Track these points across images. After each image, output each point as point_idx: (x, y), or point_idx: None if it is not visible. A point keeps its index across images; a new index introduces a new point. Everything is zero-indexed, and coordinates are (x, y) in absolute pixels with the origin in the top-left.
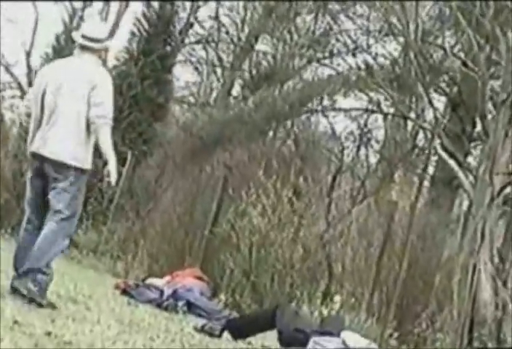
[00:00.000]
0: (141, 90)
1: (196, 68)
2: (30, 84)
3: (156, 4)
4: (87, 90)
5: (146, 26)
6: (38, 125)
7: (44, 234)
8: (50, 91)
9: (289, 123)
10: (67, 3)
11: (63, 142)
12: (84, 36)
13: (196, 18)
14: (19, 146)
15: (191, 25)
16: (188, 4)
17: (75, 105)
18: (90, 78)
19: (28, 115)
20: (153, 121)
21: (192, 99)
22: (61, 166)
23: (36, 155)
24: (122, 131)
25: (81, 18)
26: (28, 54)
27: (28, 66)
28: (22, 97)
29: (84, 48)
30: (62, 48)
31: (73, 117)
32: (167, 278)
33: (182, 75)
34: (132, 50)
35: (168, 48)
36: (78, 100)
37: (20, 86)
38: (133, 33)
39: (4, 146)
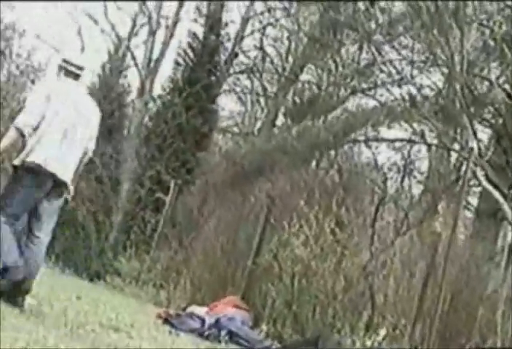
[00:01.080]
0: (185, 119)
1: (240, 98)
2: None
3: (200, 34)
4: (91, 123)
5: (191, 56)
6: (44, 139)
7: (42, 246)
8: (71, 113)
9: (332, 153)
10: (112, 34)
11: (72, 164)
12: (70, 64)
13: (240, 48)
14: None
15: (236, 55)
16: (232, 34)
17: (84, 133)
18: (93, 109)
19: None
20: (197, 150)
21: (236, 129)
22: (63, 186)
23: (46, 171)
24: (166, 160)
25: (127, 48)
26: None
27: None
28: None
29: (71, 74)
30: (108, 77)
31: (82, 142)
32: (208, 306)
33: (227, 105)
34: (177, 80)
35: (213, 78)
36: (85, 130)
37: None
38: (178, 63)
39: None
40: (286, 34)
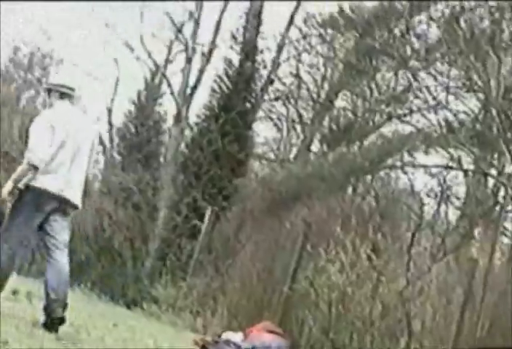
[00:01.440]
0: (221, 146)
1: (276, 124)
2: (111, 141)
3: (236, 61)
4: (92, 143)
5: (227, 83)
6: (53, 164)
7: (63, 265)
8: (76, 139)
9: (368, 178)
10: (148, 61)
11: (79, 187)
12: (64, 86)
13: (276, 75)
14: (100, 201)
15: (272, 82)
16: (268, 61)
17: (89, 158)
18: (92, 131)
19: None
20: (234, 177)
21: (271, 155)
22: (72, 207)
23: (54, 196)
24: (202, 187)
25: (163, 75)
26: (110, 111)
27: (109, 122)
28: (103, 153)
29: (66, 96)
30: (144, 105)
31: (85, 165)
32: (244, 332)
33: (262, 132)
34: (213, 107)
35: (248, 104)
36: (88, 150)
37: (101, 142)
38: (214, 90)
39: (85, 201)
40: (321, 60)
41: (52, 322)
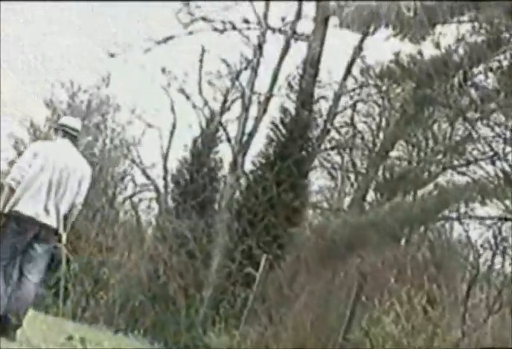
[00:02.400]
0: (277, 194)
1: (330, 173)
2: (166, 187)
3: (292, 110)
4: (79, 179)
5: (283, 131)
6: (30, 191)
7: (29, 290)
8: (57, 168)
9: (422, 229)
10: (206, 109)
11: (58, 214)
12: (67, 126)
13: (332, 124)
14: (155, 248)
15: (328, 131)
16: (324, 111)
17: (71, 188)
18: (82, 169)
19: None
20: (288, 225)
21: (325, 204)
22: (47, 230)
23: (34, 221)
24: (257, 235)
25: (219, 123)
26: (165, 157)
27: (165, 169)
28: (158, 200)
29: (68, 135)
30: (200, 152)
31: (68, 196)
32: None
33: (317, 180)
34: (269, 155)
35: (304, 153)
36: (73, 184)
37: (156, 189)
38: (270, 138)
39: (140, 247)
40: (377, 110)
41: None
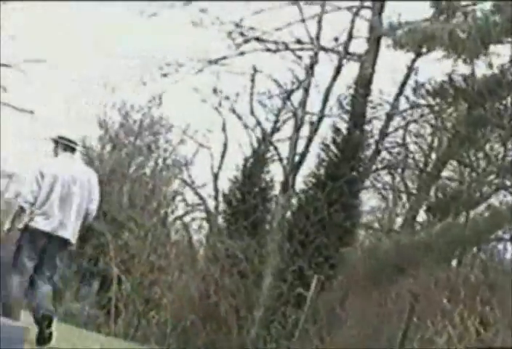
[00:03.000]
0: (328, 215)
1: (381, 193)
2: (216, 207)
3: (344, 130)
4: (88, 187)
5: (335, 151)
6: (45, 208)
7: (43, 292)
8: (65, 182)
9: (475, 249)
10: (257, 129)
11: (73, 225)
12: (69, 140)
13: (383, 144)
14: (206, 268)
15: (379, 152)
16: (376, 131)
17: (82, 197)
18: (89, 178)
19: None
20: (340, 245)
21: (377, 225)
22: (65, 242)
23: (49, 234)
24: (308, 255)
25: (271, 143)
26: (216, 177)
27: (215, 189)
28: (208, 219)
29: (69, 148)
30: (251, 172)
31: (80, 206)
32: None
33: (367, 200)
34: (320, 175)
35: (355, 173)
36: (83, 193)
37: (206, 209)
38: (321, 158)
39: (191, 267)
40: (429, 130)
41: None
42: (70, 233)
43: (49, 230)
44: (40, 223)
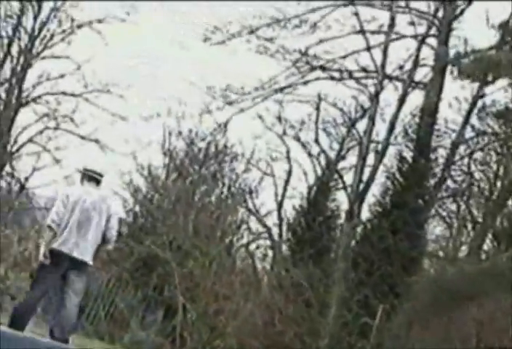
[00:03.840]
0: (393, 243)
1: (446, 222)
2: (280, 235)
3: (409, 158)
4: (106, 214)
5: (400, 179)
6: (66, 230)
7: (70, 310)
8: (85, 208)
9: None
10: (321, 157)
11: (90, 248)
12: (95, 172)
13: (448, 173)
14: (272, 296)
15: (444, 180)
16: (441, 159)
17: (100, 223)
18: (109, 206)
19: None
20: (405, 274)
21: (441, 253)
22: (80, 263)
23: (66, 255)
24: (373, 284)
25: (336, 171)
26: (280, 205)
27: (279, 217)
28: (273, 248)
29: (93, 179)
30: (316, 200)
31: (98, 231)
32: None
33: (432, 229)
34: (385, 203)
35: (421, 202)
36: (101, 219)
37: (271, 237)
38: (387, 187)
39: (257, 296)
40: (495, 158)
41: None
42: (85, 254)
43: (67, 251)
44: (59, 245)
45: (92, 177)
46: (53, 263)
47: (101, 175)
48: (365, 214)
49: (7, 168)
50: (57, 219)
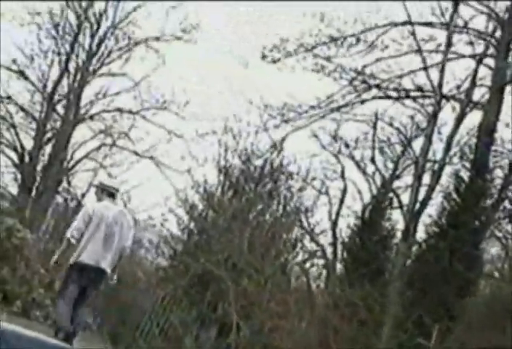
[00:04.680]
0: (449, 264)
1: (502, 243)
2: (335, 254)
3: (467, 178)
4: (126, 228)
5: (457, 200)
6: (92, 244)
7: (81, 315)
8: (109, 224)
9: None
10: (376, 176)
11: (112, 259)
12: (112, 187)
13: (506, 194)
14: (327, 315)
15: (502, 200)
16: (498, 180)
17: (120, 236)
18: (128, 220)
19: None
20: (461, 295)
21: (497, 274)
22: (103, 273)
23: (92, 266)
24: (428, 305)
25: (392, 190)
26: (334, 224)
27: (334, 236)
28: (327, 266)
29: (111, 194)
30: (371, 219)
31: (119, 243)
32: None
33: (488, 250)
34: (442, 224)
35: (478, 222)
36: (122, 233)
37: (325, 255)
38: (443, 207)
39: (311, 314)
40: None
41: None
42: (109, 264)
43: (94, 263)
44: (87, 258)
45: (110, 193)
46: (79, 277)
47: (117, 190)
48: (421, 234)
49: (64, 184)
50: (76, 233)
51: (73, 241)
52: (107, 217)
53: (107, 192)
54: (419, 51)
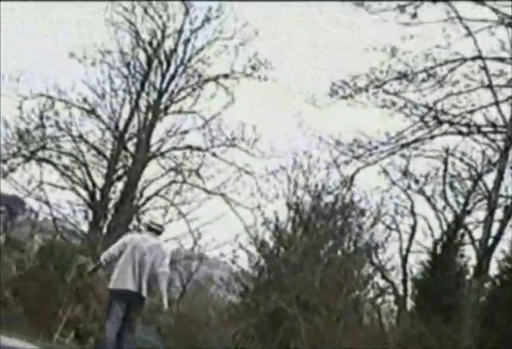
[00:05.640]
0: None
1: None
2: (405, 290)
3: None
4: (160, 257)
5: None
6: (125, 271)
7: (126, 339)
8: (142, 253)
9: None
10: (447, 211)
11: (145, 285)
12: (155, 224)
13: None
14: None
15: None
16: None
17: (152, 264)
18: (162, 249)
19: None
20: None
21: None
22: (141, 297)
23: (128, 292)
24: (503, 342)
25: (464, 226)
26: (405, 260)
27: (404, 272)
28: (396, 302)
29: (153, 230)
30: (442, 255)
31: (151, 270)
32: None
33: None
34: None
35: None
36: (154, 261)
37: (395, 292)
38: None
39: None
40: None
41: None
42: (144, 290)
43: (127, 288)
44: (121, 284)
45: (151, 228)
46: (118, 300)
47: (161, 227)
48: (495, 270)
49: (134, 221)
50: (109, 258)
51: (103, 263)
52: (141, 247)
53: (148, 227)
54: (489, 86)
